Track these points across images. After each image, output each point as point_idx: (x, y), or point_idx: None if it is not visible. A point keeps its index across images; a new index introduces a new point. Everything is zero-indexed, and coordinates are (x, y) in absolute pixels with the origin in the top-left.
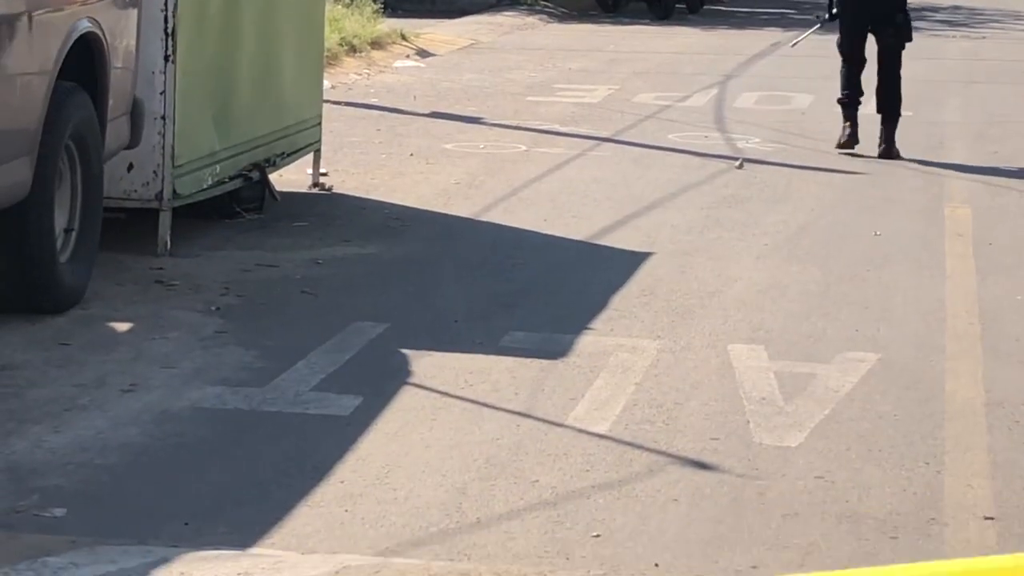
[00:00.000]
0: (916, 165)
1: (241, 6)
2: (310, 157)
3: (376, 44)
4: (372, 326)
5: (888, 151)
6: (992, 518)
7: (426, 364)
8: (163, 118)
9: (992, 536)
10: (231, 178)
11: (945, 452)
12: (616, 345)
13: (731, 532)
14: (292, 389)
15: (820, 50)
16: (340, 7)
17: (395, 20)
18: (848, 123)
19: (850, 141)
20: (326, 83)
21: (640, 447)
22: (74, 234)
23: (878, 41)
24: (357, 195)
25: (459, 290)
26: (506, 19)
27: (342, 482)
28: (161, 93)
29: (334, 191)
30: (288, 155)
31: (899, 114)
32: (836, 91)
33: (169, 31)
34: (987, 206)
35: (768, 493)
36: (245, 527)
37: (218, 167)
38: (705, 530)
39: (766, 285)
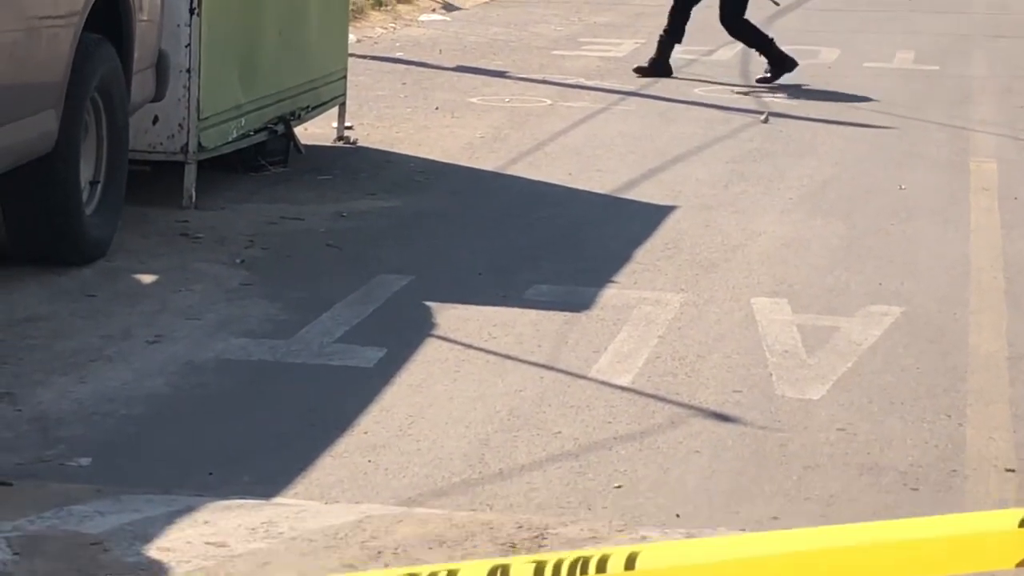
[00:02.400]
0: (942, 119)
1: None
2: (335, 111)
3: None
4: (396, 278)
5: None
6: (1013, 470)
7: (450, 316)
8: (188, 71)
9: (1012, 488)
10: (256, 131)
11: (967, 405)
12: (639, 298)
13: (752, 484)
14: (316, 341)
15: (848, 4)
16: None
17: None
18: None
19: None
20: (351, 37)
21: (662, 399)
22: (100, 186)
23: None
24: (382, 149)
25: (483, 243)
26: None
27: (366, 433)
28: (187, 46)
29: (359, 144)
30: (313, 108)
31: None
32: (864, 45)
33: None
34: (1013, 160)
35: (790, 445)
36: (269, 477)
37: (243, 120)
38: (726, 482)
39: (790, 239)
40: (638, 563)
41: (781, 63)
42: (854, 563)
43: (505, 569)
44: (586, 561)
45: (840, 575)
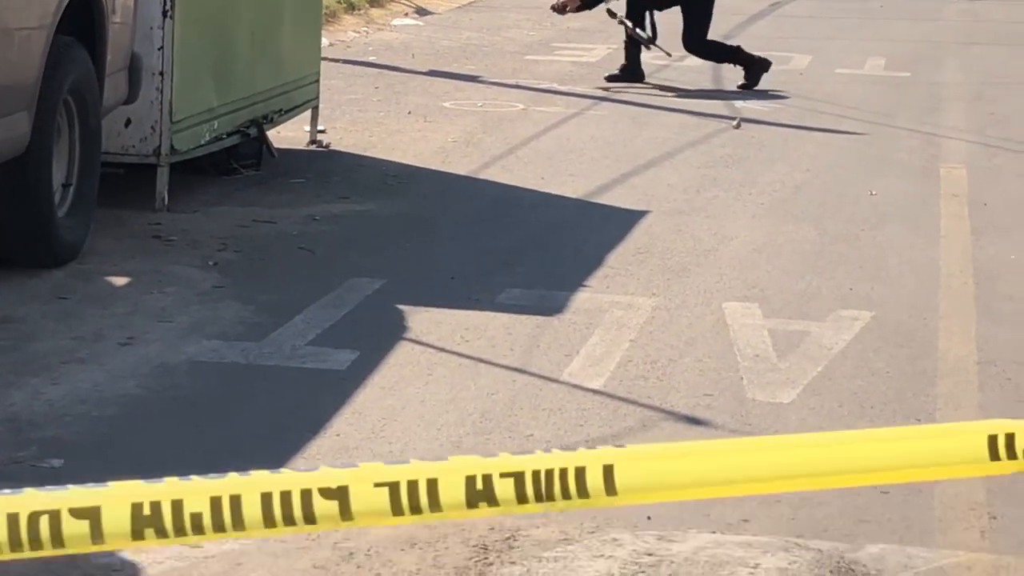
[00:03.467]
0: (913, 125)
1: None
2: (308, 114)
3: (375, 2)
4: (369, 282)
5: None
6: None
7: (422, 320)
8: (161, 74)
9: (981, 492)
10: (229, 134)
11: (937, 409)
12: (611, 302)
13: None
14: (289, 343)
15: (820, 11)
16: None
17: None
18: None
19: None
20: (324, 40)
21: (634, 403)
22: (72, 189)
23: None
24: (355, 152)
25: (456, 247)
26: None
27: (338, 435)
28: (159, 48)
29: (332, 148)
30: (286, 112)
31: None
32: (836, 52)
33: None
34: (983, 167)
35: None
36: None
37: (216, 123)
38: None
39: (761, 244)
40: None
41: (755, 67)
42: (830, 463)
43: (487, 479)
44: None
45: (816, 478)
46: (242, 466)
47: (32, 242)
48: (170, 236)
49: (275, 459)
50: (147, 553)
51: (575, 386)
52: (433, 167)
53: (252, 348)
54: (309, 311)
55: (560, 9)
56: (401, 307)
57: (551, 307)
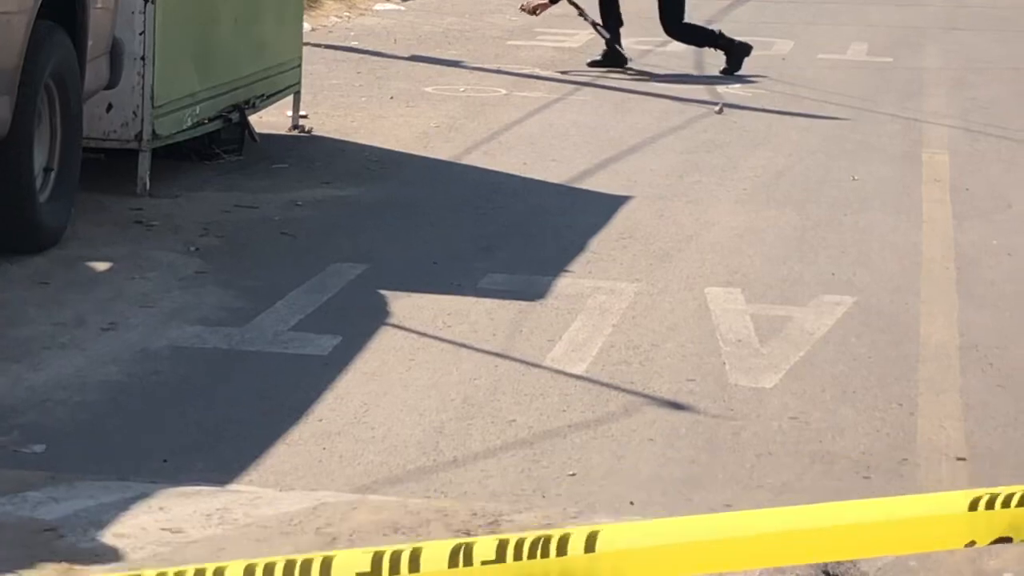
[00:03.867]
0: (895, 111)
1: None
2: (290, 99)
3: None
4: (351, 267)
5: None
6: (964, 459)
7: (404, 305)
8: (143, 59)
9: (964, 477)
10: (211, 119)
11: (919, 394)
12: (594, 287)
13: (705, 471)
14: (271, 329)
15: None
16: None
17: None
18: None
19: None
20: (306, 25)
21: (616, 388)
22: (53, 174)
23: None
24: (337, 137)
25: (438, 232)
26: None
27: (320, 420)
28: (141, 33)
29: (314, 133)
30: (268, 97)
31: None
32: (818, 37)
33: None
34: (965, 152)
35: (743, 433)
36: (224, 464)
37: (198, 108)
38: (680, 469)
39: (743, 229)
40: (598, 545)
41: (736, 51)
42: (809, 544)
43: (468, 548)
44: (547, 540)
45: (794, 556)
46: (224, 452)
47: (13, 227)
48: (152, 221)
49: (258, 444)
50: (129, 539)
51: (557, 371)
52: (415, 152)
53: (234, 333)
54: (291, 296)
55: (532, 11)
56: (383, 292)
57: (534, 292)
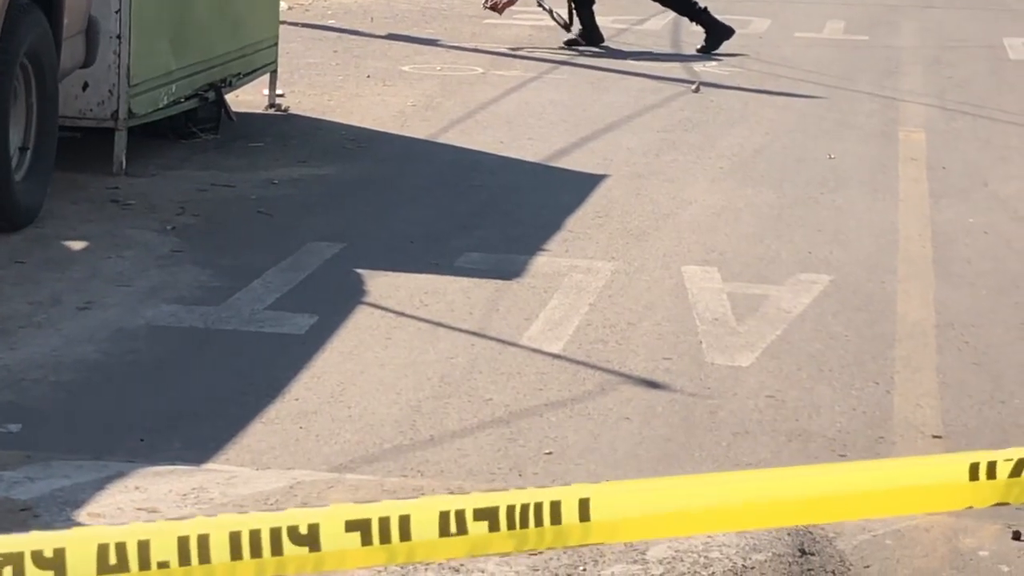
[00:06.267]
0: (871, 89)
1: None
2: (266, 78)
3: None
4: (328, 246)
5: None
6: (940, 437)
7: (381, 284)
8: (119, 37)
9: (939, 454)
10: (187, 98)
11: (895, 372)
12: (570, 266)
13: (682, 450)
14: (247, 308)
15: None
16: None
17: None
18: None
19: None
20: (283, 4)
21: (593, 366)
22: (29, 153)
23: None
24: (313, 116)
25: (415, 211)
26: None
27: (297, 399)
28: (116, 12)
29: (290, 112)
30: (244, 75)
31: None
32: (795, 15)
33: None
34: (941, 130)
35: (719, 412)
36: (200, 443)
37: (174, 87)
38: (656, 448)
39: (720, 207)
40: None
41: (718, 32)
42: (808, 507)
43: (460, 514)
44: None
45: (793, 517)
46: (200, 431)
47: None
48: (128, 200)
49: (234, 423)
50: (105, 518)
51: (534, 350)
52: (392, 131)
53: (211, 312)
54: (268, 275)
55: (498, 8)
56: (360, 271)
57: (510, 271)
